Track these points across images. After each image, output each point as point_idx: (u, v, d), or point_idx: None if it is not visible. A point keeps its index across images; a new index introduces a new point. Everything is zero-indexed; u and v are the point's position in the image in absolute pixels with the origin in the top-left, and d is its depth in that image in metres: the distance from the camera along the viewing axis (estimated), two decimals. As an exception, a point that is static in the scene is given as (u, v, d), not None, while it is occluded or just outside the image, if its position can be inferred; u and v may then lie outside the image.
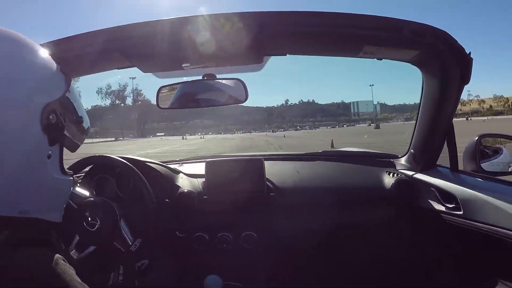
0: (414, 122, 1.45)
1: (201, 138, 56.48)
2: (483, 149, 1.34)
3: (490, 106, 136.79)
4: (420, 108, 1.34)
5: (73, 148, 0.70)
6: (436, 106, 1.24)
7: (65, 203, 0.71)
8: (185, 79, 1.32)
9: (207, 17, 0.99)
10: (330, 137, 21.84)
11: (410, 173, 1.51)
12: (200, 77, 1.29)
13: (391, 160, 1.67)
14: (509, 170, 1.33)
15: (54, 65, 0.65)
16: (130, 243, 1.13)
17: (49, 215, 0.66)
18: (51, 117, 0.60)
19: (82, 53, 1.07)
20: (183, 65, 1.18)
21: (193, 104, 1.34)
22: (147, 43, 1.03)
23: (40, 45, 1.09)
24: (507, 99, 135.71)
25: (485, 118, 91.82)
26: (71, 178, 0.70)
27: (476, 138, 1.32)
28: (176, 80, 1.32)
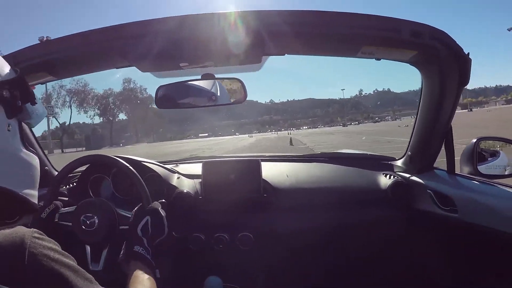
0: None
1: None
2: (480, 152, 1.35)
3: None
4: (419, 110, 1.34)
5: (31, 124, 0.79)
6: (435, 108, 1.24)
7: (37, 181, 0.76)
8: (183, 78, 1.31)
9: (205, 16, 0.99)
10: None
11: (407, 175, 1.51)
12: (199, 77, 1.29)
13: (388, 162, 1.68)
14: (506, 173, 1.33)
15: None
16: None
17: (22, 189, 0.71)
18: (4, 92, 0.68)
19: (82, 52, 1.07)
20: (181, 65, 1.18)
21: (191, 104, 1.34)
22: (145, 42, 1.03)
23: (40, 43, 1.09)
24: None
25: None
26: (36, 155, 0.77)
27: (474, 140, 1.33)
28: (174, 79, 1.32)
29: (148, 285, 0.87)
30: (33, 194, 0.74)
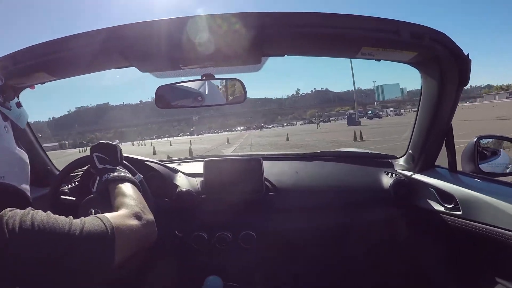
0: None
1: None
2: (481, 150, 1.34)
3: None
4: (419, 109, 1.34)
5: (21, 124, 0.87)
6: (435, 107, 1.24)
7: (29, 177, 0.83)
8: (183, 79, 1.31)
9: (206, 17, 0.99)
10: None
11: (408, 173, 1.51)
12: (198, 77, 1.29)
13: (390, 160, 1.67)
14: (507, 171, 1.33)
15: None
16: None
17: (21, 185, 0.78)
18: (0, 98, 0.77)
19: (81, 52, 1.07)
20: (181, 65, 1.18)
21: (191, 104, 1.34)
22: (145, 43, 1.03)
23: (39, 44, 1.10)
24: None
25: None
26: (25, 151, 0.84)
27: (475, 139, 1.33)
28: (174, 80, 1.32)
29: (130, 191, 0.95)
30: (28, 189, 0.81)
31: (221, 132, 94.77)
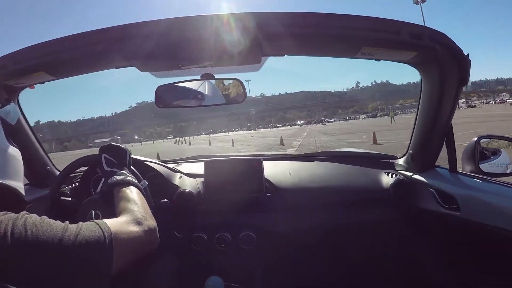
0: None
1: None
2: (482, 150, 1.34)
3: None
4: (419, 109, 1.34)
5: (11, 120, 0.86)
6: (435, 107, 1.24)
7: (22, 174, 0.82)
8: (183, 78, 1.31)
9: (205, 17, 0.98)
10: None
11: (408, 173, 1.51)
12: (198, 77, 1.29)
13: (390, 160, 1.67)
14: (508, 171, 1.33)
15: None
16: None
17: (12, 181, 0.77)
18: None
19: (81, 52, 1.07)
20: (181, 65, 1.17)
21: (191, 103, 1.34)
22: (145, 43, 1.03)
23: (39, 43, 1.10)
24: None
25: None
26: (17, 148, 0.83)
27: (475, 139, 1.33)
28: (173, 79, 1.32)
29: (135, 196, 0.95)
30: (22, 187, 0.79)
31: (280, 126, 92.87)
